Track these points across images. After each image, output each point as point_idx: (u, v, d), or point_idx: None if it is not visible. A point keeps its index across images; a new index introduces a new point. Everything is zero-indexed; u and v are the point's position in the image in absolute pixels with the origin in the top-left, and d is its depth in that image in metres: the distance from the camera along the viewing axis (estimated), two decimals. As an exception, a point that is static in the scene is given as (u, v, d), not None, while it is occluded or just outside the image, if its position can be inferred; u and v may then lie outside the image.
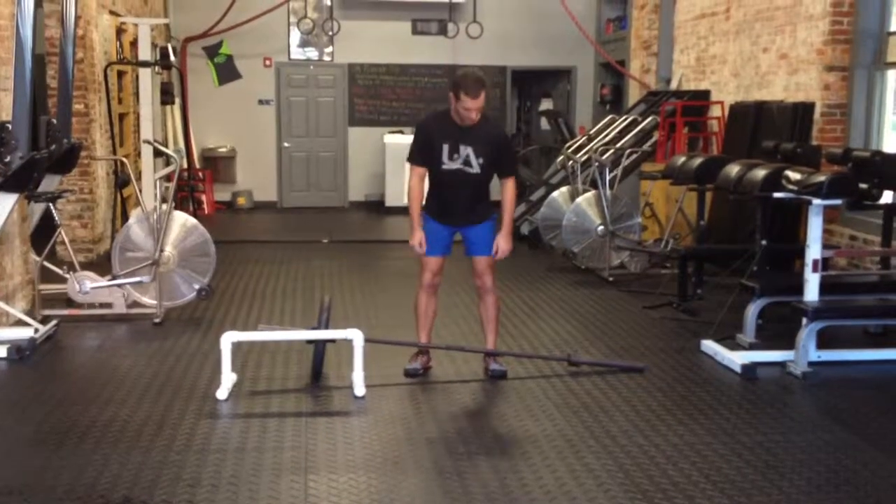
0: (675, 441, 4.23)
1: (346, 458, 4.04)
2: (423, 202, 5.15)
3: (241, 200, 13.40)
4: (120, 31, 9.87)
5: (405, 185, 12.51)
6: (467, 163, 5.03)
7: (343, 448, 4.16)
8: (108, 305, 6.52)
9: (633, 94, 11.93)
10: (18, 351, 5.48)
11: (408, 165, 5.25)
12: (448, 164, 5.03)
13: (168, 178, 6.99)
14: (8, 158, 5.43)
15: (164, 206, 6.50)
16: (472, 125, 4.97)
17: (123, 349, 5.84)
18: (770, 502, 3.60)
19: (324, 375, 5.16)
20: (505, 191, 5.15)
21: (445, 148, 5.01)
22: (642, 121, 9.80)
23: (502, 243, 5.13)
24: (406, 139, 12.87)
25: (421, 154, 5.09)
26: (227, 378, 4.85)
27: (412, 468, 3.95)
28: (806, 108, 7.54)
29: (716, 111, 9.37)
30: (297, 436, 4.30)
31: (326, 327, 5.09)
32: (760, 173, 6.04)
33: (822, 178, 5.41)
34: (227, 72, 13.32)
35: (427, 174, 5.12)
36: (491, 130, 5.12)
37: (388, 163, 12.86)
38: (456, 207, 5.14)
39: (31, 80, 5.55)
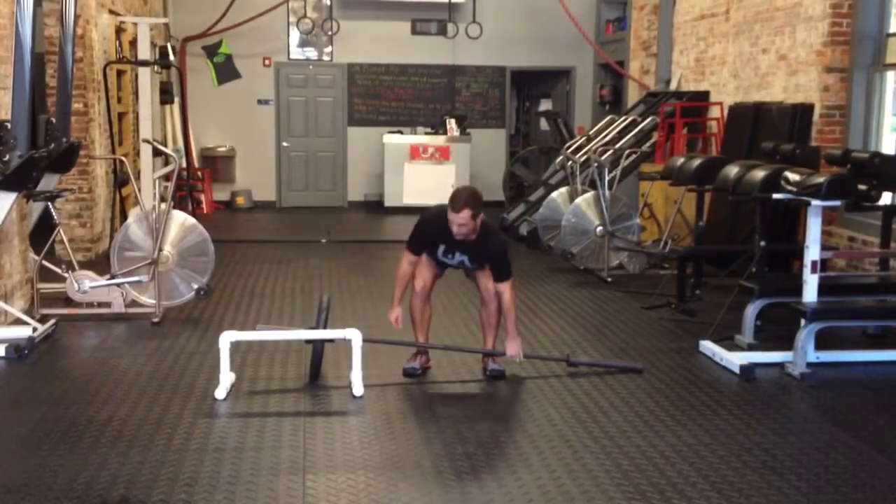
0: (673, 442, 4.23)
1: (344, 458, 4.04)
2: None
3: (240, 200, 13.40)
4: (119, 31, 9.86)
5: (404, 185, 12.72)
6: (462, 264, 5.18)
7: (341, 448, 4.15)
8: (107, 304, 6.52)
9: (633, 94, 11.94)
10: (17, 350, 5.48)
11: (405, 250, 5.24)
12: (443, 259, 5.18)
13: (167, 177, 7.00)
14: (7, 157, 5.43)
15: (163, 206, 6.50)
16: (468, 240, 5.00)
17: (122, 348, 5.83)
18: (768, 503, 3.60)
19: (322, 375, 5.16)
20: (502, 297, 5.13)
21: (442, 248, 5.12)
22: (641, 121, 9.80)
23: (510, 349, 5.16)
24: (405, 139, 12.96)
25: (420, 247, 5.16)
26: (226, 377, 4.85)
27: (410, 468, 3.95)
28: (805, 110, 7.54)
29: (715, 112, 9.37)
30: (295, 435, 4.29)
31: (325, 327, 5.09)
32: (759, 174, 6.05)
33: (821, 179, 5.41)
34: (226, 71, 13.32)
35: (417, 262, 5.18)
36: (488, 248, 5.09)
37: (388, 163, 12.86)
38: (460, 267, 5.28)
39: (30, 78, 5.54)
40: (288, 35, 13.35)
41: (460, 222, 4.88)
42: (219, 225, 11.07)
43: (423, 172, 12.74)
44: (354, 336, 4.89)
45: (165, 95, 11.57)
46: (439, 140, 12.85)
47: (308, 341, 5.13)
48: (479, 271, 5.20)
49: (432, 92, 13.69)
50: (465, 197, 4.90)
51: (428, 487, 3.74)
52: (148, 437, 4.23)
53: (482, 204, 4.98)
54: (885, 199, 6.06)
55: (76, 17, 6.83)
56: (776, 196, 5.71)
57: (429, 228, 5.13)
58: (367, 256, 9.41)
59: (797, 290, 5.45)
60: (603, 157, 8.64)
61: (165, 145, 11.19)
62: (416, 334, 5.33)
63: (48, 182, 6.44)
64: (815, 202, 5.35)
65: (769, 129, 7.77)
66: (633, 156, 9.17)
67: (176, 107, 12.32)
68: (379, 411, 4.66)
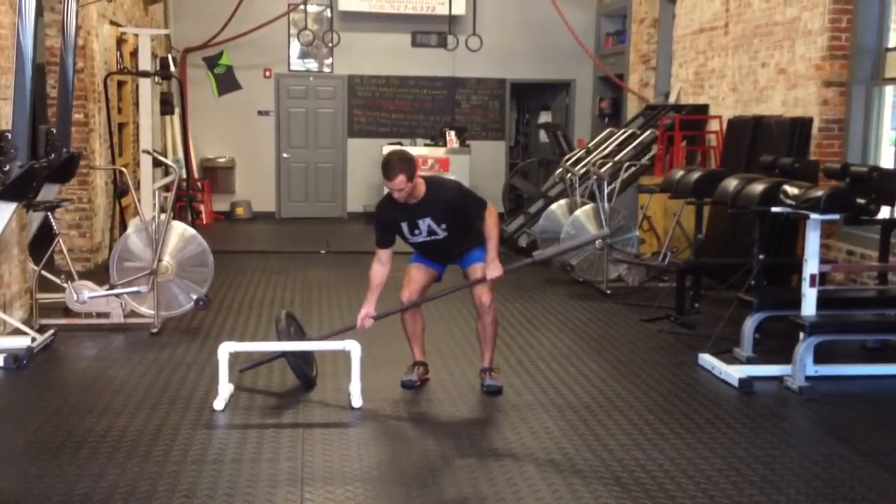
0: (671, 455, 4.23)
1: (342, 469, 4.04)
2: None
3: (240, 211, 13.41)
4: (120, 42, 9.89)
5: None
6: (432, 232, 5.05)
7: (340, 460, 4.15)
8: (106, 315, 6.51)
9: (632, 107, 11.97)
10: (15, 360, 5.47)
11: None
12: (414, 238, 5.10)
13: (167, 187, 7.00)
14: (7, 167, 5.44)
15: (163, 216, 6.50)
16: (418, 200, 4.97)
17: (120, 359, 5.83)
18: (767, 517, 3.60)
19: (320, 387, 5.16)
20: (484, 224, 5.04)
21: (405, 226, 5.05)
22: (641, 134, 9.82)
23: (489, 271, 5.01)
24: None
25: (384, 237, 5.11)
26: (224, 388, 4.84)
27: (409, 480, 3.95)
28: (804, 123, 7.56)
29: (714, 125, 9.39)
30: (293, 447, 4.29)
31: (291, 338, 5.07)
32: (758, 188, 6.06)
33: (819, 192, 5.42)
34: (226, 82, 13.34)
35: (390, 258, 5.13)
36: (439, 195, 5.02)
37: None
38: (441, 258, 5.22)
39: (30, 89, 5.56)
40: (288, 46, 13.38)
41: (398, 188, 4.86)
42: (218, 236, 11.07)
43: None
44: (353, 348, 4.89)
45: (166, 106, 11.59)
46: (439, 152, 12.86)
47: (282, 355, 5.09)
48: (468, 267, 5.12)
49: (432, 104, 13.72)
50: (395, 163, 4.87)
51: (427, 501, 3.74)
52: (146, 448, 4.22)
53: (415, 165, 4.95)
54: (884, 212, 6.06)
55: (77, 27, 6.85)
56: (775, 209, 5.71)
57: (383, 214, 5.13)
58: (367, 268, 9.32)
59: (796, 303, 5.45)
60: (602, 170, 8.65)
61: (165, 156, 11.21)
62: (411, 347, 5.32)
63: (48, 192, 6.45)
64: (813, 216, 5.36)
65: (768, 142, 7.79)
66: (633, 168, 9.19)
67: (176, 117, 12.35)
68: (377, 423, 4.66)
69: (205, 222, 12.44)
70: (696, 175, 7.03)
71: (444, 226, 5.02)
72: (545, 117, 14.55)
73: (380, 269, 5.13)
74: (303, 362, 5.11)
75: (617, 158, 9.31)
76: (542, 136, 13.95)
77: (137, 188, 8.55)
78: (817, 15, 7.55)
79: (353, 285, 8.29)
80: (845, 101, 7.47)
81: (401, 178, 4.83)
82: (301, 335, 5.31)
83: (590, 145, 10.39)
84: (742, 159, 8.06)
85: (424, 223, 5.02)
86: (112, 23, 9.52)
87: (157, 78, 10.43)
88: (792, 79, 7.96)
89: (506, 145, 14.16)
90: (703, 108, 9.68)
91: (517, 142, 15.28)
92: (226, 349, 4.84)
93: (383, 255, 5.13)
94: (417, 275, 5.21)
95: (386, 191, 5.09)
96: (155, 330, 6.39)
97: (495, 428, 4.69)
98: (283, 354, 5.06)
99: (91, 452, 4.16)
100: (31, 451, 4.19)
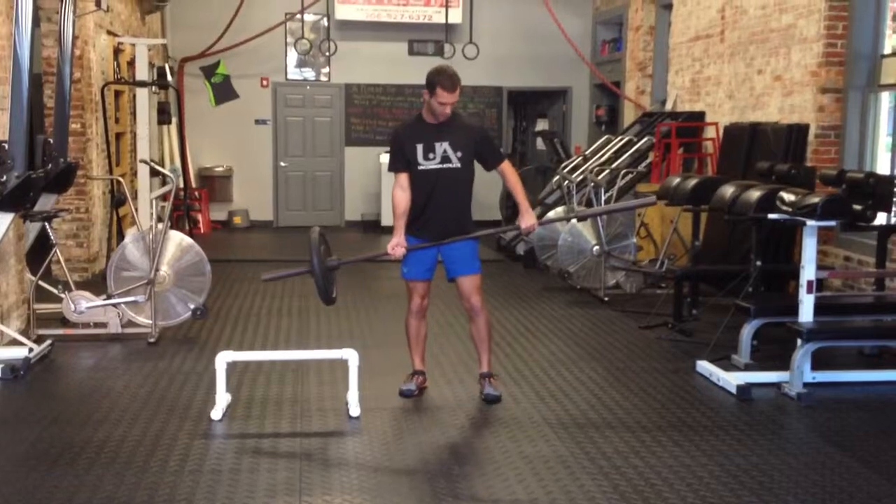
0: (670, 462, 4.23)
1: (340, 479, 4.03)
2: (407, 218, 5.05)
3: (238, 220, 13.41)
4: (117, 51, 9.90)
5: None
6: (446, 159, 5.00)
7: (338, 469, 4.14)
8: (103, 325, 6.51)
9: (629, 115, 11.98)
10: (13, 370, 5.47)
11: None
12: (424, 164, 5.00)
13: (164, 197, 7.00)
14: (4, 178, 5.44)
15: (160, 226, 6.50)
16: (445, 121, 5.01)
17: (118, 369, 5.82)
18: (765, 524, 3.60)
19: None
20: (505, 175, 5.14)
21: (420, 148, 5.00)
22: (637, 141, 9.83)
23: (525, 222, 5.05)
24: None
25: (400, 159, 5.07)
26: (222, 398, 4.84)
27: (407, 489, 3.94)
28: (800, 130, 7.57)
29: (710, 132, 9.41)
30: (291, 456, 4.28)
31: (319, 254, 4.92)
32: (755, 194, 6.07)
33: (816, 199, 5.43)
34: (224, 92, 13.35)
35: (409, 182, 5.04)
36: (465, 122, 5.20)
37: (385, 182, 12.85)
38: (437, 214, 5.03)
39: (28, 99, 5.56)
40: (286, 56, 13.40)
41: (454, 101, 4.96)
42: (216, 245, 11.07)
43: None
44: (351, 356, 4.89)
45: (163, 116, 11.59)
46: (436, 160, 12.84)
47: (309, 270, 4.93)
48: (459, 277, 5.09)
49: (429, 112, 13.71)
50: (454, 77, 4.99)
51: (424, 509, 3.73)
52: (144, 459, 4.21)
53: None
54: (880, 219, 6.07)
55: (74, 38, 6.86)
56: (772, 216, 5.72)
57: (402, 135, 5.12)
58: (364, 276, 9.41)
59: (793, 310, 5.45)
60: (599, 177, 8.66)
61: (163, 165, 11.22)
62: (411, 356, 5.31)
63: (45, 202, 6.44)
64: (810, 222, 5.37)
65: (764, 149, 7.80)
66: (630, 175, 9.20)
67: (173, 127, 12.35)
68: (376, 432, 4.65)
69: (202, 231, 12.43)
70: (692, 182, 7.04)
71: (459, 154, 5.01)
72: (542, 125, 14.57)
73: (402, 194, 5.05)
74: (326, 281, 4.95)
75: (614, 166, 9.32)
76: (539, 143, 13.97)
77: (135, 198, 8.56)
78: (813, 22, 7.58)
79: (351, 293, 8.29)
80: (841, 108, 7.49)
81: (458, 90, 4.95)
82: (328, 255, 5.11)
83: (587, 152, 10.40)
84: (739, 166, 8.07)
85: (441, 147, 5.00)
86: (109, 33, 9.54)
87: (154, 87, 10.44)
88: (788, 85, 7.98)
89: (503, 153, 14.15)
90: (699, 116, 9.69)
91: (514, 149, 15.29)
92: (223, 358, 4.83)
93: (402, 179, 5.06)
94: (421, 283, 5.16)
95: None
96: (152, 339, 6.39)
97: (493, 436, 4.68)
98: (310, 270, 4.92)
99: (88, 463, 4.15)
100: (29, 461, 4.18)
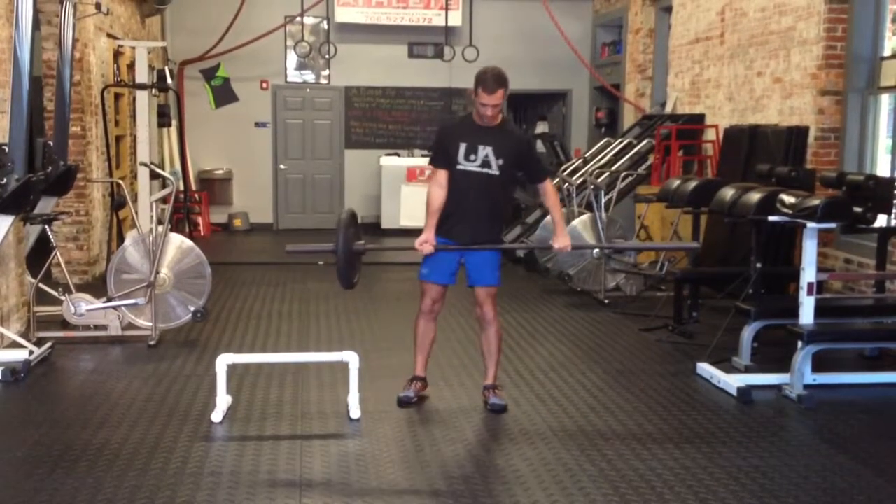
0: (670, 465, 4.22)
1: (340, 481, 4.03)
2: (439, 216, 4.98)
3: (238, 222, 13.41)
4: (117, 54, 9.90)
5: (401, 207, 12.72)
6: (486, 164, 4.91)
7: (338, 471, 4.14)
8: (103, 327, 6.50)
9: (628, 117, 11.99)
10: (13, 373, 5.46)
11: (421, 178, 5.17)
12: (464, 165, 4.91)
13: (164, 200, 7.00)
14: (4, 180, 5.44)
15: (160, 228, 6.50)
16: (492, 126, 4.93)
17: (118, 371, 5.82)
18: (766, 526, 3.59)
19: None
20: (546, 193, 5.09)
21: (462, 147, 4.91)
22: (637, 144, 9.84)
23: (558, 243, 5.03)
24: (402, 161, 13.00)
25: (442, 156, 5.00)
26: (222, 400, 4.84)
27: (408, 492, 3.94)
28: (800, 132, 7.58)
29: (710, 135, 9.41)
30: (291, 459, 4.28)
31: (347, 234, 4.92)
32: (755, 197, 6.07)
33: (816, 201, 5.44)
34: (223, 94, 13.36)
35: (447, 181, 4.96)
36: (513, 131, 5.09)
37: (385, 185, 12.89)
38: (469, 216, 4.95)
39: (28, 102, 5.57)
40: (285, 58, 13.41)
41: (496, 102, 4.88)
42: (216, 247, 11.07)
43: (420, 195, 12.65)
44: (351, 359, 4.89)
45: (163, 118, 11.59)
46: (436, 162, 12.84)
47: (334, 250, 4.92)
48: (476, 286, 5.05)
49: (429, 114, 13.73)
50: (500, 76, 4.93)
51: (425, 511, 3.73)
52: (144, 461, 4.21)
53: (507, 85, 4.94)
54: (880, 221, 6.08)
55: (74, 40, 6.86)
56: (772, 218, 5.72)
57: (448, 131, 5.09)
58: (365, 279, 9.38)
59: (794, 312, 5.45)
60: (599, 180, 8.67)
61: (163, 168, 11.21)
62: (415, 357, 5.24)
63: (45, 205, 6.44)
64: (810, 225, 5.37)
65: (764, 151, 7.80)
66: (630, 178, 9.20)
67: (173, 130, 12.35)
68: (376, 435, 4.65)
69: (202, 234, 12.43)
70: (692, 184, 7.04)
71: (500, 161, 4.92)
72: (542, 127, 14.58)
73: (438, 191, 4.97)
74: (348, 265, 4.90)
75: (614, 168, 9.33)
76: (539, 146, 13.97)
77: (135, 200, 8.55)
78: (812, 24, 7.58)
79: (351, 296, 8.29)
80: (841, 110, 7.49)
81: (501, 93, 4.89)
82: (356, 239, 5.10)
83: (587, 155, 10.41)
84: (739, 168, 8.08)
85: (484, 150, 4.91)
86: (109, 35, 9.54)
87: (154, 90, 10.44)
88: (788, 88, 7.98)
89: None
90: (699, 118, 9.70)
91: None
92: (223, 361, 4.83)
93: (441, 176, 4.97)
94: (437, 286, 5.09)
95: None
96: (152, 342, 6.38)
97: (493, 439, 4.68)
98: (335, 250, 4.88)
99: (89, 465, 4.15)
100: (29, 464, 4.18)
